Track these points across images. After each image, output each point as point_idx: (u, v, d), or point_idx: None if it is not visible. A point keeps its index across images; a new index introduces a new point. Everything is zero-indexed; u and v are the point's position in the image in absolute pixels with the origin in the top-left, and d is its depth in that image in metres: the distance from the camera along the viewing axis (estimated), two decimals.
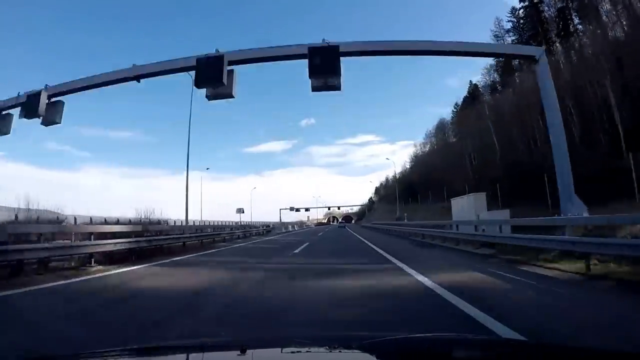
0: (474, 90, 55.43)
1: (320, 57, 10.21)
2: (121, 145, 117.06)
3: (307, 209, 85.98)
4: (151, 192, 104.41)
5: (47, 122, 12.25)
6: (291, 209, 78.17)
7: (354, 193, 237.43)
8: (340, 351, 1.48)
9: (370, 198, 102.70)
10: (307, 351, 1.43)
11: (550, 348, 1.56)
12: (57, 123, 12.45)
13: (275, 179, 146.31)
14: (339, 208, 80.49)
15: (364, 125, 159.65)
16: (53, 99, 12.18)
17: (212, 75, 10.45)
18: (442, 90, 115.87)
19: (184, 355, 1.49)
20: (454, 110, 60.03)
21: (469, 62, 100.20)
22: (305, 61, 10.44)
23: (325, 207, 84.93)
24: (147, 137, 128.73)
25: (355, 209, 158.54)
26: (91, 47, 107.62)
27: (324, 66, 10.22)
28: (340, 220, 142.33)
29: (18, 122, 12.61)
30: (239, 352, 1.41)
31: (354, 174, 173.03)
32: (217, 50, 10.77)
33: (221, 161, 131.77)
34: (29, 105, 11.90)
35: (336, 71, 10.32)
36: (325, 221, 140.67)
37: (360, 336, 1.78)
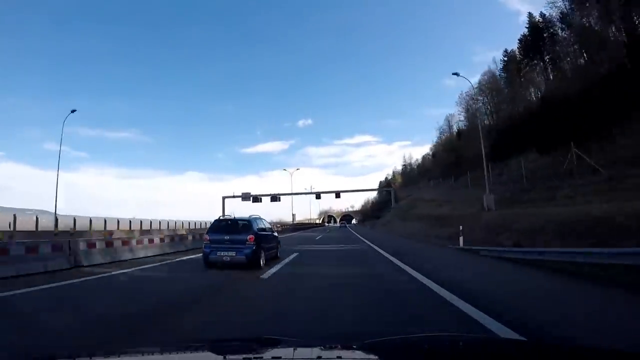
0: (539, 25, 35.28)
1: None
2: (118, 146, 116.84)
3: (275, 198, 47.38)
4: (148, 192, 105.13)
5: None
6: (244, 197, 45.94)
7: (351, 194, 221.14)
8: (340, 351, 1.46)
9: (387, 182, 77.85)
10: (308, 350, 1.43)
11: (551, 348, 1.53)
12: None
13: (272, 180, 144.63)
14: (337, 196, 47.97)
15: (361, 126, 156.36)
16: None
17: None
18: (439, 91, 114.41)
19: (184, 355, 1.51)
20: (505, 57, 42.47)
21: (467, 62, 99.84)
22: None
23: (311, 192, 51.87)
24: (144, 138, 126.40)
25: (357, 206, 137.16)
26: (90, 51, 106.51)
27: None
28: (340, 221, 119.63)
29: None
30: (239, 352, 1.41)
31: (351, 174, 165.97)
32: None
33: (220, 161, 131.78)
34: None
35: None
36: (320, 221, 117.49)
37: (361, 336, 1.82)
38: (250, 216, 9.23)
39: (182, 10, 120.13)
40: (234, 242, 8.17)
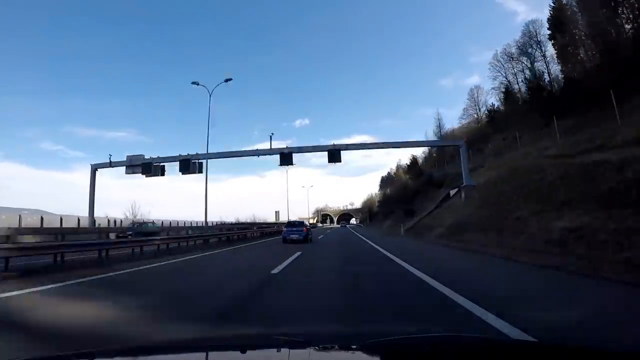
0: None
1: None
2: (115, 145, 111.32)
3: (187, 165, 22.69)
4: (143, 191, 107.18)
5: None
6: (130, 166, 21.31)
7: (348, 194, 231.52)
8: (341, 351, 1.42)
9: (388, 176, 53.85)
10: (308, 351, 1.42)
11: (558, 349, 1.43)
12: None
13: (269, 180, 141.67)
14: (333, 158, 21.74)
15: (358, 126, 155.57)
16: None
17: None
18: (435, 92, 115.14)
19: (184, 355, 1.47)
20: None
21: (463, 63, 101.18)
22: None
23: (269, 151, 23.92)
24: (141, 138, 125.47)
25: (358, 203, 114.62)
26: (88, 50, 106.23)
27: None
28: (339, 221, 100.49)
29: None
30: (239, 352, 1.37)
31: (348, 174, 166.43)
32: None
33: (217, 161, 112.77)
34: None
35: None
36: (314, 221, 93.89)
37: (362, 336, 1.80)
38: (302, 219, 25.13)
39: (179, 11, 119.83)
40: (297, 230, 17.34)
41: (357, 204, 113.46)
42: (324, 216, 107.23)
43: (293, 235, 16.73)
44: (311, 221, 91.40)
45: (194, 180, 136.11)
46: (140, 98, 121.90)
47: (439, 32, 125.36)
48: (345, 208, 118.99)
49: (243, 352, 1.34)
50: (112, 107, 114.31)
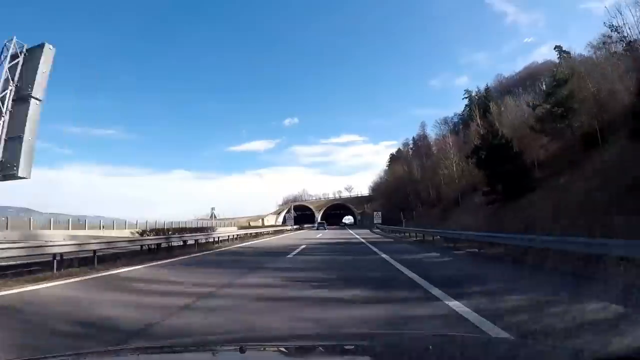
0: None
1: None
2: (104, 143, 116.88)
3: None
4: (135, 190, 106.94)
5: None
6: None
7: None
8: (340, 350, 1.48)
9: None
10: (308, 350, 1.47)
11: (550, 347, 1.55)
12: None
13: (263, 179, 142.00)
14: None
15: (347, 125, 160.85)
16: None
17: None
18: (425, 92, 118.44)
19: (184, 355, 1.52)
20: None
21: (453, 63, 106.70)
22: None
23: None
24: (129, 136, 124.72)
25: (362, 188, 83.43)
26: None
27: None
28: (320, 216, 74.61)
29: None
30: (239, 352, 1.38)
31: (338, 173, 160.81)
32: None
33: (206, 160, 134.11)
34: None
35: None
36: (278, 221, 64.02)
37: (360, 335, 2.00)
38: (323, 221, 60.93)
39: (169, 9, 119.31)
40: (323, 226, 53.84)
41: (362, 189, 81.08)
42: (294, 209, 74.26)
43: (319, 226, 51.94)
44: (269, 221, 62.42)
45: (183, 179, 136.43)
46: (128, 96, 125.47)
47: (429, 33, 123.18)
48: (337, 196, 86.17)
49: (242, 352, 1.35)
50: (99, 105, 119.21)
